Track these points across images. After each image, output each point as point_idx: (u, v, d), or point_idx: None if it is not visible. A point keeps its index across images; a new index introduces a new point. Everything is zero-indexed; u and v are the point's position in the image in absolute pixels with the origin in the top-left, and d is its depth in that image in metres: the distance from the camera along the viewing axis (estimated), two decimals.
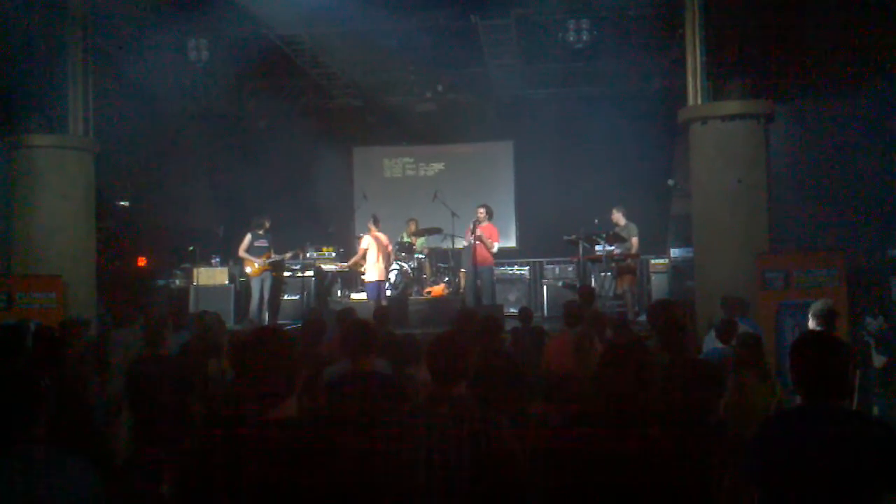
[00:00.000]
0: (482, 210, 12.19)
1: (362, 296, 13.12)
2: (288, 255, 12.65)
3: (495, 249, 12.28)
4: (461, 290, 13.09)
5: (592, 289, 9.47)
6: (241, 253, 12.22)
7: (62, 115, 10.92)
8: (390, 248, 12.21)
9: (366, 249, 12.03)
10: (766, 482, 3.08)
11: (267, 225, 12.34)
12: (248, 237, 12.20)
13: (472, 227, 12.01)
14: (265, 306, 12.15)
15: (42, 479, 2.75)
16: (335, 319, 7.61)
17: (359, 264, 12.59)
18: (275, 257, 12.27)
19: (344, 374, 4.67)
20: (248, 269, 12.23)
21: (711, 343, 6.63)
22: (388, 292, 12.38)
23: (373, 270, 11.99)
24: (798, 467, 3.02)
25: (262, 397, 2.65)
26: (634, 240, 11.95)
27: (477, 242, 11.90)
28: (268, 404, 2.66)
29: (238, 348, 2.88)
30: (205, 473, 2.59)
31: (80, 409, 4.34)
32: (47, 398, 2.98)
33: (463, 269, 13.15)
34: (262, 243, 12.21)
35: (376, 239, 11.95)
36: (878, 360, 8.14)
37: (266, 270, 12.15)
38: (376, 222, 12.19)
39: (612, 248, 11.85)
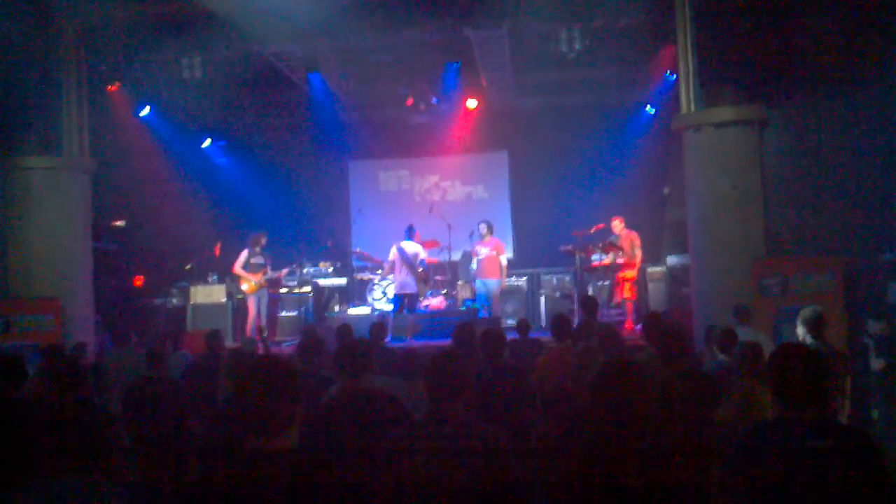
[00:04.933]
0: (483, 226, 12.37)
1: (361, 310, 13.17)
2: (284, 271, 12.68)
3: (505, 263, 12.47)
4: (458, 303, 13.23)
5: (594, 299, 9.43)
6: (237, 269, 12.21)
7: (57, 136, 10.94)
8: (419, 258, 12.14)
9: (392, 261, 12.11)
10: (747, 495, 3.08)
11: (263, 241, 12.33)
12: (245, 253, 12.20)
13: (480, 241, 12.35)
14: (262, 323, 12.13)
15: None
16: (335, 335, 7.61)
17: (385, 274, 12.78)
18: (271, 274, 12.27)
19: (341, 394, 4.65)
20: (244, 286, 12.20)
21: (712, 354, 6.59)
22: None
23: (395, 282, 12.13)
24: (776, 480, 3.02)
25: (262, 427, 2.64)
26: (639, 252, 12.02)
27: (488, 256, 12.11)
28: (268, 434, 2.64)
29: (239, 375, 2.85)
30: None
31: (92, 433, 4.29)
32: (71, 426, 2.93)
33: (461, 281, 13.24)
34: (259, 260, 12.21)
35: (400, 250, 11.98)
36: (877, 364, 8.12)
37: (262, 287, 12.15)
38: (410, 233, 12.28)
39: (607, 257, 11.90)
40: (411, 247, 12.03)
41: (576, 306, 11.29)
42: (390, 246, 12.20)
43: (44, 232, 10.72)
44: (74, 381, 4.87)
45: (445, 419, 3.40)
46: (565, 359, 5.75)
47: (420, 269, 12.14)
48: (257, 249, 12.23)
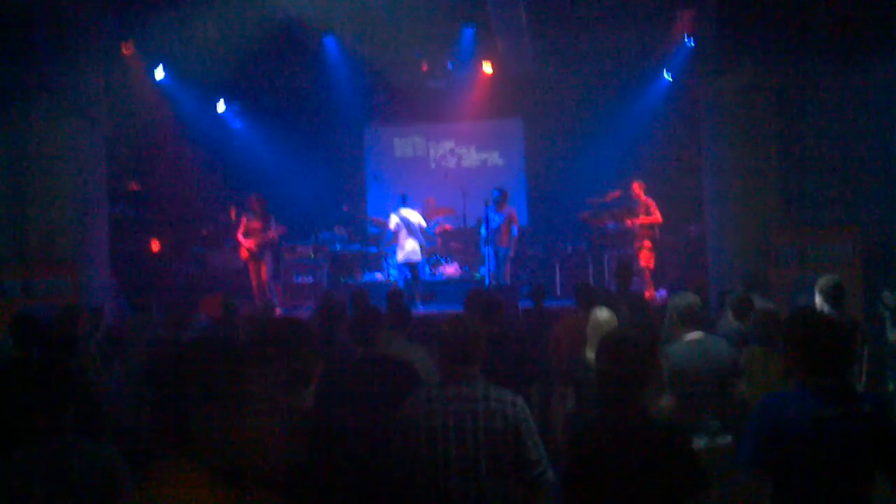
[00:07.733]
0: (498, 193, 12.23)
1: (376, 277, 13.20)
2: (282, 229, 12.42)
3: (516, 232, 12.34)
4: (472, 270, 13.20)
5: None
6: (239, 237, 12.15)
7: (76, 98, 10.90)
8: (421, 224, 12.03)
9: (396, 230, 11.97)
10: (767, 463, 3.07)
11: (259, 203, 12.24)
12: (244, 220, 12.17)
13: (494, 208, 12.08)
14: (268, 287, 12.10)
15: (71, 468, 2.75)
16: (349, 300, 7.63)
17: (390, 244, 12.60)
18: (267, 235, 12.11)
19: (355, 358, 4.69)
20: (243, 251, 12.15)
21: (727, 321, 6.57)
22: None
23: (399, 251, 11.97)
24: (794, 448, 3.01)
25: (280, 387, 2.66)
26: (655, 219, 11.79)
27: (502, 224, 11.97)
28: (286, 393, 2.66)
29: (254, 337, 2.86)
30: None
31: (90, 399, 4.31)
32: (73, 386, 2.97)
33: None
34: (256, 224, 12.11)
35: (403, 219, 11.89)
36: (893, 335, 8.07)
37: (253, 252, 12.05)
38: (405, 201, 12.12)
39: (623, 224, 11.84)
40: (413, 215, 11.96)
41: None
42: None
43: (62, 195, 10.73)
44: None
45: (461, 382, 3.42)
46: (580, 327, 5.72)
47: (426, 236, 12.11)
48: (256, 214, 12.15)
